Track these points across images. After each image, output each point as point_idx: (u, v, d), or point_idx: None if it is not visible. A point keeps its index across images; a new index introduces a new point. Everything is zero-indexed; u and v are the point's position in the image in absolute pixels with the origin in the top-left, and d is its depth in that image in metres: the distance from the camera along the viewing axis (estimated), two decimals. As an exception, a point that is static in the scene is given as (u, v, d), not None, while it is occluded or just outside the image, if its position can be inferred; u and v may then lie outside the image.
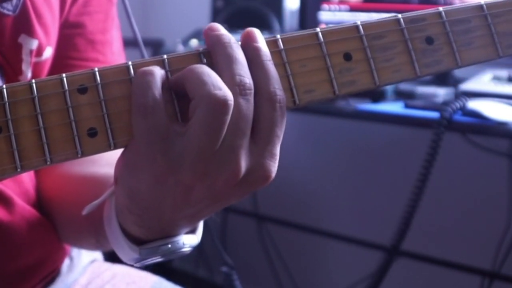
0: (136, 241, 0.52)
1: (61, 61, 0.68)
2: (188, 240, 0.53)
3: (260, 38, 0.48)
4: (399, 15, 0.52)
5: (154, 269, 1.00)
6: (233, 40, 0.48)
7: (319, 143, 1.96)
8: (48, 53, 0.65)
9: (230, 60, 0.46)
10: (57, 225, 0.70)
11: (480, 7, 0.53)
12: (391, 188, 1.80)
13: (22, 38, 0.61)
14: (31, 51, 0.62)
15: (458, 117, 1.20)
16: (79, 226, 0.66)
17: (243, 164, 0.46)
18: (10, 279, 0.65)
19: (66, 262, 0.75)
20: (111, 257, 0.85)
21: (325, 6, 1.66)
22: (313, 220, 1.97)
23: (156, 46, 1.85)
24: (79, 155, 0.45)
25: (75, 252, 0.77)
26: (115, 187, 0.50)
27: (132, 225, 0.51)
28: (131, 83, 0.46)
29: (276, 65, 0.48)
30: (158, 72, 0.46)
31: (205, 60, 0.48)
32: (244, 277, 1.63)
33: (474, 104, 1.20)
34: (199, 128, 0.44)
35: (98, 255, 0.82)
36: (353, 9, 1.63)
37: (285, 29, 1.74)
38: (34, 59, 0.63)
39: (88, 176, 0.67)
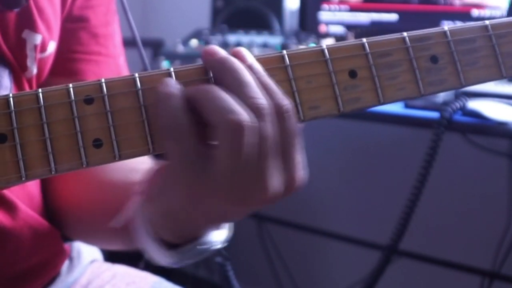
0: (166, 242, 0.53)
1: (64, 55, 0.68)
2: (219, 237, 0.55)
3: (249, 56, 0.48)
4: (405, 34, 0.52)
5: (154, 269, 1.00)
6: (236, 62, 0.47)
7: (319, 143, 1.96)
8: (52, 48, 0.65)
9: (240, 84, 0.46)
10: (78, 233, 0.72)
11: (485, 27, 0.53)
12: (391, 188, 1.80)
13: (26, 34, 0.61)
14: (35, 46, 0.62)
15: (458, 117, 1.20)
16: (105, 233, 0.67)
17: (274, 183, 0.47)
18: (11, 282, 0.65)
19: (66, 262, 0.75)
20: (111, 257, 0.85)
21: (325, 6, 1.66)
22: (313, 220, 1.97)
23: (156, 46, 1.85)
24: (84, 166, 0.46)
25: (75, 252, 0.77)
26: (146, 205, 0.51)
27: (167, 235, 0.52)
28: (138, 95, 0.47)
29: (281, 81, 0.49)
30: (180, 93, 0.46)
31: (211, 74, 0.48)
32: (244, 277, 1.63)
33: (474, 104, 1.20)
34: (223, 155, 0.45)
35: (98, 255, 0.82)
36: (353, 9, 1.63)
37: (285, 29, 1.74)
38: (39, 55, 0.63)
39: (106, 183, 0.67)
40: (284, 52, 0.50)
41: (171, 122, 0.45)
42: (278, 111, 0.46)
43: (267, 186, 0.47)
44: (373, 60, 0.51)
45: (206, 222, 0.49)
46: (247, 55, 0.49)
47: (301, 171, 0.49)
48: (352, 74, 0.50)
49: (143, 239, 0.54)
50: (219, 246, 0.55)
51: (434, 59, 0.52)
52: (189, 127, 0.45)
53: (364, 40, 0.51)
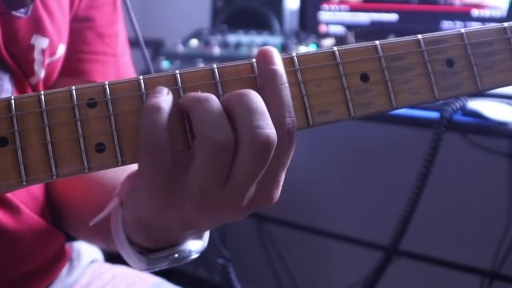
0: (144, 248, 0.52)
1: (71, 56, 0.68)
2: (195, 246, 0.53)
3: (277, 59, 0.46)
4: (419, 36, 0.50)
5: (154, 269, 0.98)
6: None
7: (319, 143, 1.96)
8: (61, 50, 0.65)
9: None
10: (70, 227, 0.71)
11: (503, 29, 0.52)
12: (391, 188, 1.80)
13: (34, 39, 0.60)
14: (42, 50, 0.62)
15: (458, 117, 1.19)
16: (89, 230, 0.66)
17: (248, 197, 0.45)
18: (14, 284, 0.65)
19: (66, 263, 0.75)
20: (112, 257, 0.85)
21: (325, 6, 1.66)
22: (313, 220, 1.97)
23: (156, 46, 1.85)
24: (86, 171, 0.44)
25: (75, 253, 0.77)
26: (121, 209, 0.50)
27: (139, 239, 0.51)
28: (143, 99, 0.45)
29: (290, 84, 0.46)
30: (166, 106, 0.44)
31: (218, 78, 0.46)
32: (244, 277, 1.63)
33: (474, 104, 1.20)
34: (199, 170, 0.43)
35: (98, 255, 0.82)
36: (353, 9, 1.63)
37: (285, 29, 1.74)
38: (48, 59, 0.63)
39: (94, 180, 0.67)
40: (294, 54, 0.48)
41: (148, 139, 0.43)
42: (280, 127, 0.44)
43: (241, 201, 0.45)
44: (386, 63, 0.49)
45: (178, 230, 0.48)
46: (275, 58, 0.46)
47: (277, 190, 0.47)
48: (364, 77, 0.48)
49: (119, 241, 0.54)
50: (194, 256, 0.53)
51: (449, 63, 0.50)
52: (163, 144, 0.43)
53: (377, 42, 0.49)
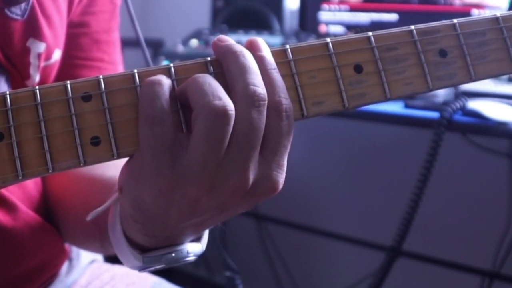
0: (140, 248, 0.51)
1: (67, 61, 0.68)
2: (193, 249, 0.52)
3: (264, 47, 0.47)
4: (412, 27, 0.50)
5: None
6: (244, 49, 0.46)
7: (319, 143, 1.96)
8: (57, 55, 0.65)
9: (243, 69, 0.45)
10: (63, 227, 0.70)
11: (495, 19, 0.52)
12: (391, 188, 1.80)
13: (30, 42, 0.60)
14: (39, 54, 0.61)
15: (458, 117, 1.20)
16: (85, 229, 0.66)
17: (251, 176, 0.45)
18: (12, 282, 0.65)
19: (65, 263, 0.75)
20: (111, 258, 0.85)
21: (325, 6, 1.66)
22: (313, 220, 1.97)
23: (156, 46, 1.85)
24: (81, 164, 0.44)
25: (74, 253, 0.77)
26: (119, 195, 0.50)
27: (136, 233, 0.50)
28: (137, 92, 0.45)
29: (284, 75, 0.47)
30: (166, 82, 0.45)
31: (212, 69, 0.47)
32: (244, 277, 1.63)
33: (474, 104, 1.20)
34: (199, 140, 0.43)
35: (97, 256, 0.82)
36: (353, 9, 1.63)
37: (285, 29, 1.74)
38: (43, 63, 0.62)
39: (95, 177, 0.66)
40: (287, 46, 0.48)
41: (145, 108, 0.44)
42: (277, 107, 0.45)
43: (242, 177, 0.44)
44: (379, 54, 0.49)
45: (178, 218, 0.47)
46: (261, 46, 0.47)
47: (281, 175, 0.47)
48: (358, 68, 0.48)
49: (115, 236, 0.53)
50: (192, 258, 0.52)
51: (442, 53, 0.50)
52: (165, 115, 0.43)
53: (370, 33, 0.49)
